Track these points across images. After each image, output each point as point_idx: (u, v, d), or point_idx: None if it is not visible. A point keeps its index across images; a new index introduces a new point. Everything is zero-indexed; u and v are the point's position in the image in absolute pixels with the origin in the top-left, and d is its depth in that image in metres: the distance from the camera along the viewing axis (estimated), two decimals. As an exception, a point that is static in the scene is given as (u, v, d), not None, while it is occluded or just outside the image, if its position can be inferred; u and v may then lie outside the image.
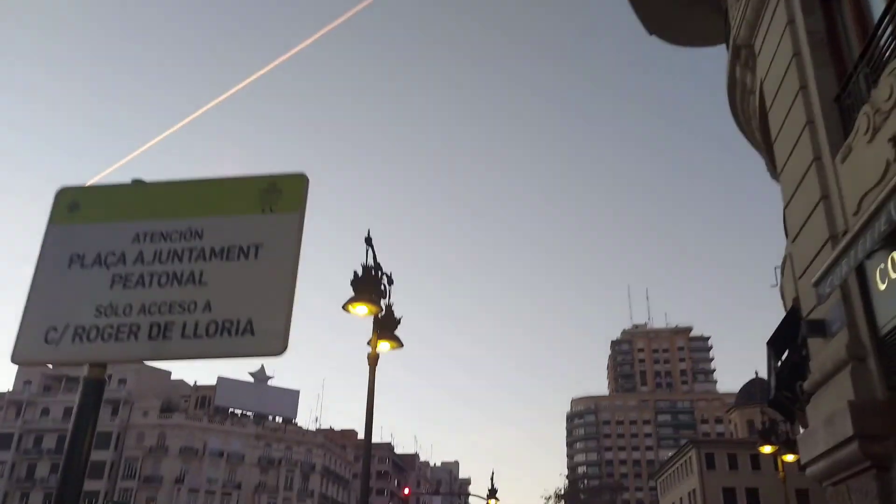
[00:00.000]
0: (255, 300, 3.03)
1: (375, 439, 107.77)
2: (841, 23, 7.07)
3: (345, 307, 9.33)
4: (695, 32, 12.20)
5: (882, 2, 6.03)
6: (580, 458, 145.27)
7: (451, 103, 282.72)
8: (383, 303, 10.07)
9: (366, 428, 9.23)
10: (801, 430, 8.15)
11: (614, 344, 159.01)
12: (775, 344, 8.06)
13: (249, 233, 3.19)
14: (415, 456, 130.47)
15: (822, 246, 6.45)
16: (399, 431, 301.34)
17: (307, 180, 3.29)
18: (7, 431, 77.27)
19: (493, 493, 31.18)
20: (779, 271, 9.19)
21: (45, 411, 78.95)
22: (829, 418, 5.95)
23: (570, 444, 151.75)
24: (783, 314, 8.77)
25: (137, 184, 3.43)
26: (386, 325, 10.08)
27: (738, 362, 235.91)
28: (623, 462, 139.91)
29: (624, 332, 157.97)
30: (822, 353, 6.43)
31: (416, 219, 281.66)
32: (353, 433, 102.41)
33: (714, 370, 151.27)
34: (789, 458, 18.47)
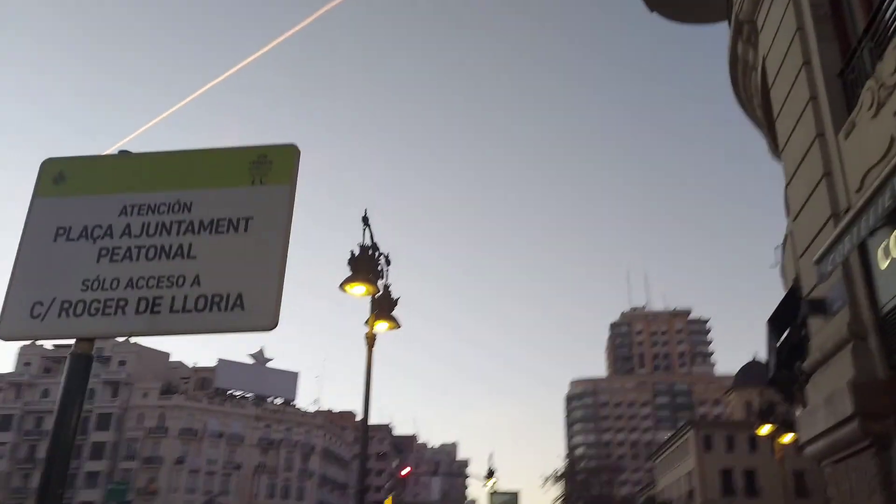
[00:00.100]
0: (245, 274, 2.96)
1: (374, 421, 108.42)
2: (845, -3, 6.94)
3: (342, 287, 9.27)
4: (696, 9, 12.03)
5: (888, -25, 5.90)
6: (579, 439, 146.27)
7: (452, 77, 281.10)
8: (381, 283, 10.01)
9: (363, 407, 9.21)
10: (800, 411, 8.14)
11: (613, 326, 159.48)
12: (775, 323, 8.02)
13: (239, 205, 3.11)
14: (413, 437, 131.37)
15: (824, 224, 6.37)
16: (398, 413, 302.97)
17: (298, 151, 3.20)
18: (7, 413, 77.65)
19: (491, 473, 31.37)
20: (779, 251, 9.13)
21: (45, 393, 79.27)
22: (829, 397, 5.92)
23: (569, 426, 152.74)
24: (783, 295, 8.71)
25: (124, 155, 3.34)
26: (383, 306, 10.03)
27: (737, 345, 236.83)
28: (621, 444, 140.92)
29: (623, 315, 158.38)
30: (823, 333, 6.38)
31: (416, 199, 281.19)
32: (352, 415, 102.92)
33: (712, 352, 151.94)
34: (787, 438, 18.55)
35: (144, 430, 76.15)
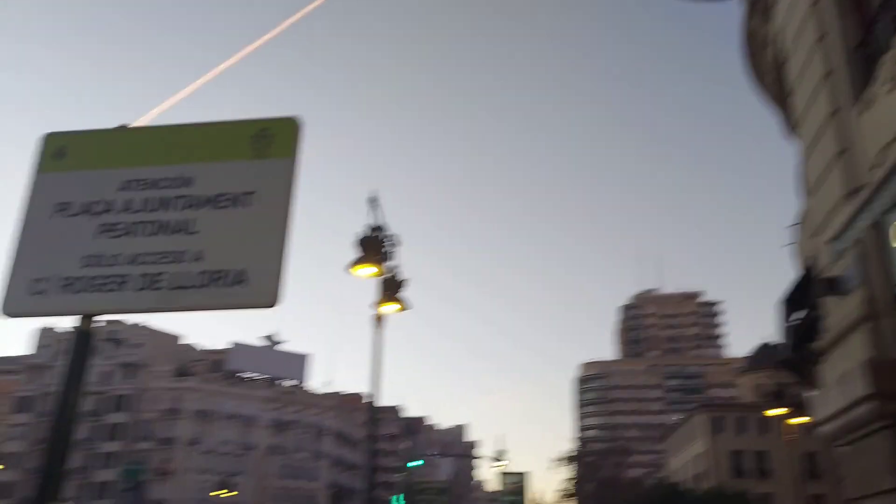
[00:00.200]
0: (247, 249, 2.92)
1: (384, 403, 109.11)
2: (864, -32, 6.75)
3: (350, 269, 9.23)
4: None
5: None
6: (589, 422, 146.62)
7: (464, 54, 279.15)
8: (389, 264, 9.97)
9: (372, 387, 9.22)
10: (813, 392, 8.05)
11: (624, 309, 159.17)
12: (788, 304, 7.91)
13: (241, 180, 3.06)
14: (423, 419, 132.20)
15: (840, 202, 6.24)
16: (408, 395, 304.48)
17: (300, 124, 3.15)
18: (26, 394, 78.79)
19: (500, 454, 31.52)
20: (793, 231, 9.00)
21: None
22: (842, 378, 5.84)
23: (578, 409, 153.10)
24: (795, 278, 8.60)
25: (125, 129, 3.30)
26: (392, 287, 10.00)
27: (749, 327, 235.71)
28: (631, 426, 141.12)
29: (634, 297, 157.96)
30: (837, 312, 6.29)
31: (427, 178, 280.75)
32: (363, 397, 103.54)
33: (724, 335, 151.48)
34: (798, 420, 18.48)
35: (159, 411, 77.01)
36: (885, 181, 4.96)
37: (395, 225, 10.06)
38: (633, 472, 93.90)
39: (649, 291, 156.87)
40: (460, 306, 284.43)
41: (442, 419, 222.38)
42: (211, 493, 69.69)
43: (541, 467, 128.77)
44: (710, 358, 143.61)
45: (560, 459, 70.99)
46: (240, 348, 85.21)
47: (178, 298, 2.91)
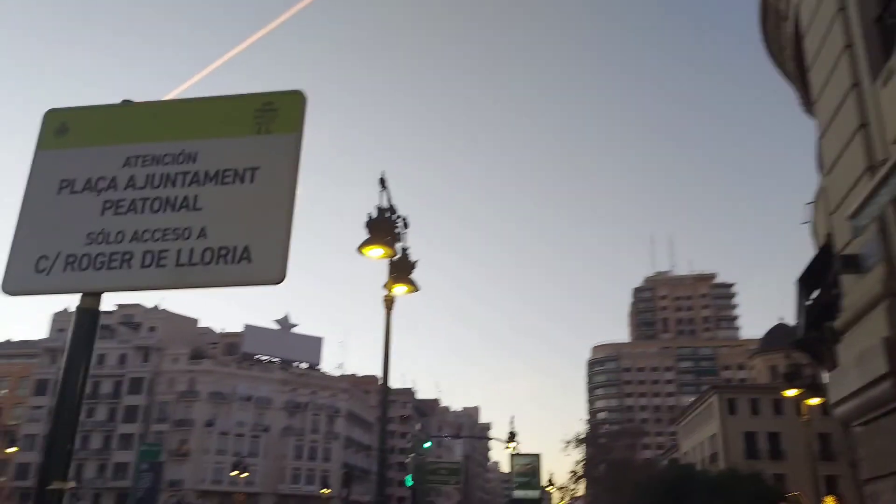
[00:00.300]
0: (251, 226, 2.87)
1: (397, 385, 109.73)
2: (885, -63, 6.53)
3: (359, 250, 9.18)
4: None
5: None
6: (601, 404, 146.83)
7: (472, 38, 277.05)
8: (399, 246, 9.92)
9: (383, 369, 9.20)
10: (827, 374, 7.94)
11: (636, 291, 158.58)
12: (805, 282, 7.78)
13: (245, 155, 3.00)
14: (436, 401, 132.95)
15: (859, 177, 6.10)
16: (420, 379, 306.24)
17: (305, 98, 3.07)
18: (43, 377, 79.91)
19: (512, 436, 31.56)
20: (810, 208, 8.83)
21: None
22: (860, 356, 5.73)
23: (590, 391, 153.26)
24: (812, 257, 8.46)
25: (127, 104, 3.23)
26: (401, 269, 9.94)
27: (763, 308, 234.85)
28: (644, 408, 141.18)
29: (646, 280, 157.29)
30: (856, 290, 6.16)
31: (438, 164, 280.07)
32: (375, 379, 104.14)
33: (737, 317, 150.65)
34: (813, 401, 18.35)
35: (175, 393, 77.89)
36: (907, 155, 4.82)
37: (407, 209, 10.02)
38: (646, 454, 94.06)
39: (662, 273, 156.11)
40: (473, 290, 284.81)
41: (455, 402, 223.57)
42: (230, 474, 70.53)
43: (553, 450, 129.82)
44: (722, 340, 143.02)
45: (572, 441, 71.10)
46: (254, 331, 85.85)
47: (183, 276, 2.86)
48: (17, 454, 72.35)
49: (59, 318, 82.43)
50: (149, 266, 2.86)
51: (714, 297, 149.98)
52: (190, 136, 3.08)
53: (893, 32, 6.06)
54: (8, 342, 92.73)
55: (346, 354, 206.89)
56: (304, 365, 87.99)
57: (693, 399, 75.86)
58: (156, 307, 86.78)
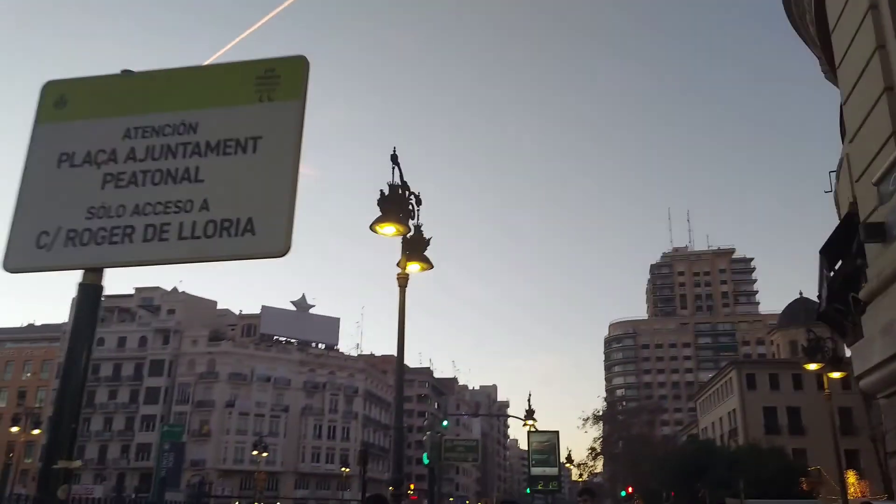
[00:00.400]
0: (255, 197, 2.79)
1: (415, 365, 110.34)
2: None
3: (372, 227, 9.10)
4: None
5: None
6: (619, 381, 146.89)
7: (485, 15, 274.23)
8: (412, 223, 9.82)
9: (398, 347, 9.16)
10: (849, 347, 7.77)
11: (654, 268, 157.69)
12: (828, 253, 7.59)
13: (247, 124, 2.91)
14: (453, 380, 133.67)
15: (885, 142, 5.89)
16: (437, 357, 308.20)
17: (307, 63, 2.96)
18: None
19: (530, 413, 31.60)
20: (833, 177, 8.61)
21: (101, 341, 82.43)
22: (886, 327, 5.57)
23: (608, 368, 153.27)
24: (835, 227, 8.25)
25: (126, 75, 3.15)
26: (415, 246, 9.85)
27: (783, 283, 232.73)
28: (662, 384, 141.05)
29: (664, 256, 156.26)
30: (881, 259, 5.99)
31: (454, 142, 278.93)
32: (392, 359, 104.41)
33: (756, 292, 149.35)
34: (834, 375, 18.15)
35: (195, 375, 78.91)
36: (936, 117, 4.63)
37: (422, 186, 9.92)
38: (664, 431, 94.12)
39: (680, 249, 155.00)
40: (489, 269, 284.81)
41: (473, 381, 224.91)
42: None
43: (570, 428, 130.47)
44: (742, 315, 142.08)
45: (589, 419, 71.22)
46: (271, 312, 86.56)
47: (186, 249, 2.79)
48: (42, 436, 73.85)
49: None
50: (151, 240, 2.80)
51: (733, 272, 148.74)
52: (190, 106, 2.99)
53: (921, -9, 5.82)
54: (31, 326, 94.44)
55: (363, 335, 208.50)
56: (321, 345, 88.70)
57: (712, 375, 75.65)
58: (175, 290, 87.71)
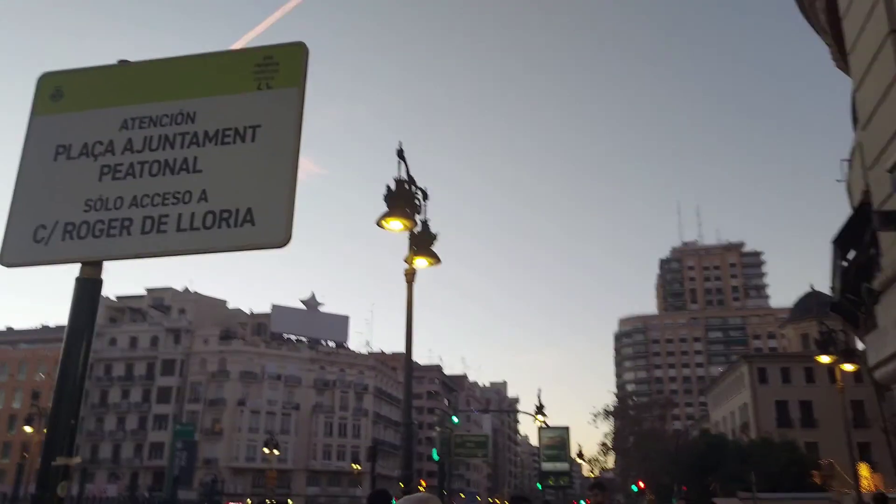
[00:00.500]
0: (254, 187, 2.73)
1: (425, 362, 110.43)
2: None
3: (378, 223, 9.05)
4: None
5: None
6: (629, 376, 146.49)
7: (493, 10, 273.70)
8: (419, 218, 9.75)
9: (406, 342, 9.11)
10: (862, 339, 7.65)
11: (663, 263, 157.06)
12: (841, 243, 7.46)
13: (245, 113, 2.85)
14: (463, 377, 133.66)
15: (900, 128, 5.78)
16: (447, 354, 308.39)
17: (306, 50, 2.90)
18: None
19: (540, 409, 31.52)
20: (845, 166, 8.46)
21: (113, 341, 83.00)
22: (902, 317, 5.46)
23: (618, 364, 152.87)
24: (847, 216, 8.11)
25: (123, 65, 3.10)
26: (422, 241, 9.79)
27: (792, 277, 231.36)
28: (673, 379, 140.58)
29: (673, 251, 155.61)
30: (896, 248, 5.88)
31: (462, 137, 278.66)
32: (402, 356, 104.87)
33: (767, 286, 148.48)
34: (847, 367, 17.98)
35: (207, 374, 79.25)
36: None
37: (431, 179, 9.86)
38: (675, 425, 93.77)
39: (689, 244, 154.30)
40: (498, 265, 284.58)
41: (483, 377, 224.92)
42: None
43: (580, 424, 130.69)
44: (752, 309, 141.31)
45: (600, 414, 71.03)
46: (281, 311, 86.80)
47: (185, 241, 2.74)
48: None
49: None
50: (149, 232, 2.75)
51: (743, 266, 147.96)
52: (188, 95, 2.94)
53: (935, -27, 5.69)
54: (45, 328, 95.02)
55: (373, 332, 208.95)
56: (331, 343, 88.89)
57: (723, 369, 75.29)
58: (185, 290, 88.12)
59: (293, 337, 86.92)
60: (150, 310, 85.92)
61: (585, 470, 74.87)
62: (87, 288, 2.76)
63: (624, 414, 74.13)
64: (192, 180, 2.79)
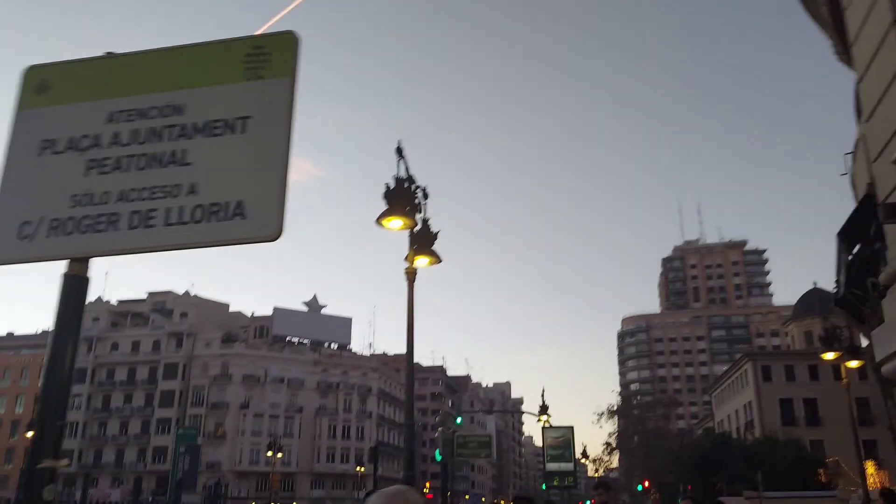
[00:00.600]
0: (245, 179, 2.66)
1: (428, 363, 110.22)
2: None
3: (378, 222, 8.96)
4: None
5: None
6: (632, 375, 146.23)
7: (492, 10, 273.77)
8: (419, 217, 9.67)
9: (407, 342, 9.03)
10: (866, 336, 7.55)
11: (665, 261, 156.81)
12: (846, 237, 7.37)
13: (235, 104, 2.78)
14: (467, 378, 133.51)
15: (905, 118, 5.69)
16: (450, 355, 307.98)
17: (297, 39, 2.83)
18: (81, 366, 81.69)
19: (544, 409, 31.40)
20: (849, 159, 8.36)
21: (115, 346, 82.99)
22: (909, 310, 5.37)
23: (621, 363, 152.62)
24: (852, 210, 8.02)
25: (110, 56, 3.02)
26: (423, 240, 9.70)
27: (795, 274, 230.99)
28: (676, 378, 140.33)
29: (675, 249, 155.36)
30: (903, 240, 5.78)
31: (464, 137, 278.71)
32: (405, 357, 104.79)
33: (770, 283, 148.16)
34: (852, 364, 17.87)
35: (209, 377, 79.15)
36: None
37: (432, 181, 9.79)
38: (680, 425, 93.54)
39: (691, 242, 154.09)
40: (500, 266, 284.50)
41: (486, 378, 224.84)
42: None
43: (584, 424, 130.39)
44: (755, 307, 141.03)
45: (604, 413, 70.79)
46: (283, 314, 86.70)
47: (174, 236, 2.67)
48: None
49: (93, 308, 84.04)
50: (137, 227, 2.68)
51: (745, 263, 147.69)
52: (176, 87, 2.87)
53: (939, -40, 5.60)
54: (45, 333, 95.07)
55: (376, 334, 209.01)
56: (334, 345, 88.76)
57: (727, 367, 75.09)
58: (187, 293, 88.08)
59: (296, 339, 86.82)
60: (152, 314, 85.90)
61: (590, 470, 74.63)
62: (74, 285, 2.68)
63: (628, 413, 73.89)
64: (181, 173, 2.72)
